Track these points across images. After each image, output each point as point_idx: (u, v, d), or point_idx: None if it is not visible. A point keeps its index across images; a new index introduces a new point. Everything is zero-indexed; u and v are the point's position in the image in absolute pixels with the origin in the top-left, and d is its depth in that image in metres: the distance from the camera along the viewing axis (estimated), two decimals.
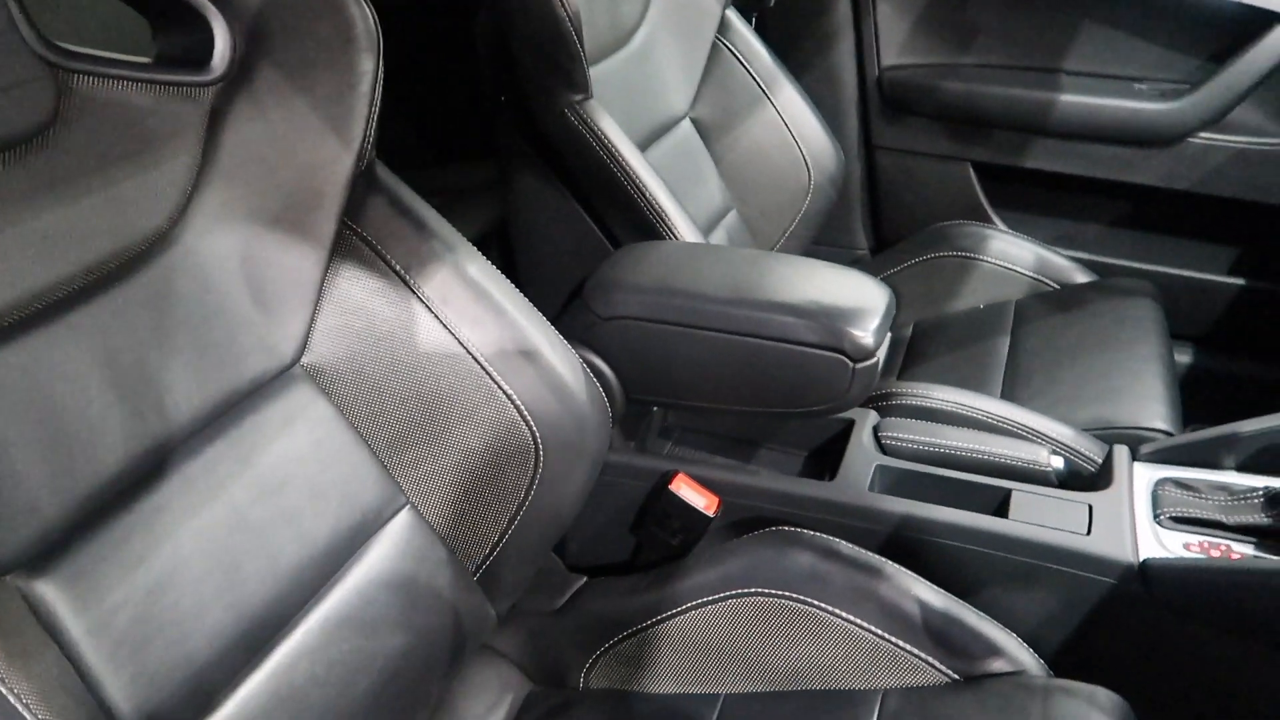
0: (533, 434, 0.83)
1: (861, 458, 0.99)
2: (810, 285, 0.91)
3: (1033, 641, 0.84)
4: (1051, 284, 1.48)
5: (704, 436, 1.11)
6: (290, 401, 0.77)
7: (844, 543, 0.87)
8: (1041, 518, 0.89)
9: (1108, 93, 1.51)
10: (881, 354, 0.88)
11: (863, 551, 0.86)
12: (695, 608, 0.90)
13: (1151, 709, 0.77)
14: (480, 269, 0.85)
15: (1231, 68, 1.42)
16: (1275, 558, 0.82)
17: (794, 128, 1.49)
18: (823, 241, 1.67)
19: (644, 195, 1.07)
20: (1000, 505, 0.94)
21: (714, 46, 1.46)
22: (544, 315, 0.87)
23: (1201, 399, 1.19)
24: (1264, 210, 1.49)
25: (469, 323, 0.82)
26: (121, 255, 0.67)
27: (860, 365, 0.87)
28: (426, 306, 0.82)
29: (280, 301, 0.77)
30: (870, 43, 1.64)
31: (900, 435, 1.01)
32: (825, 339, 0.86)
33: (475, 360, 0.82)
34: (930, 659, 0.82)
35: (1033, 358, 1.28)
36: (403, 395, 0.81)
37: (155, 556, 0.64)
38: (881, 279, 1.57)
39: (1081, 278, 1.47)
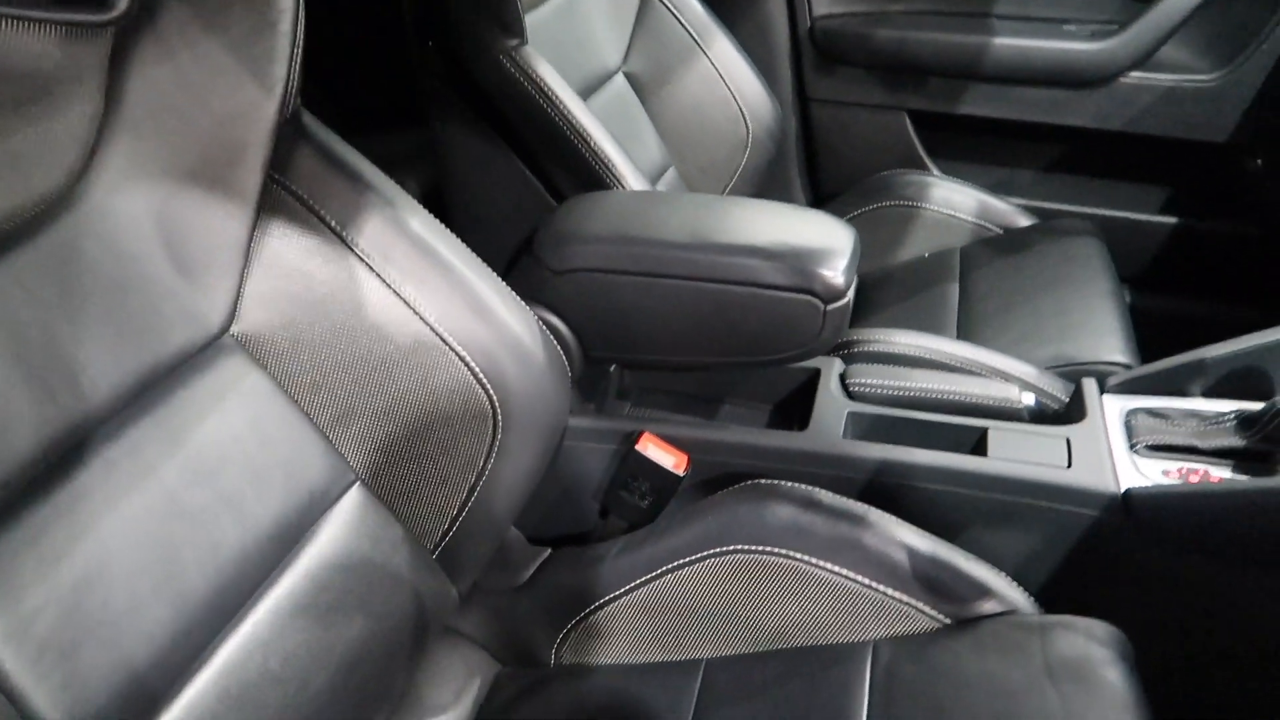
0: (490, 398, 0.78)
1: (831, 406, 0.95)
2: (774, 226, 0.86)
3: (1018, 580, 0.82)
4: (995, 229, 1.47)
5: (664, 395, 1.06)
6: (221, 374, 0.70)
7: (824, 492, 0.83)
8: (1020, 454, 0.87)
9: (1038, 35, 1.51)
10: (851, 294, 0.84)
11: (844, 500, 0.83)
12: (670, 571, 0.85)
13: (1144, 638, 0.76)
14: (423, 223, 0.79)
15: (1158, 6, 1.43)
16: (1253, 479, 0.81)
17: (730, 81, 1.45)
18: (760, 197, 1.63)
19: (588, 144, 1.01)
20: (977, 444, 0.91)
21: None
22: None
23: (1144, 337, 1.19)
24: (1194, 147, 1.50)
25: (414, 281, 0.76)
26: (16, 217, 0.59)
27: (832, 306, 0.83)
28: (367, 265, 0.75)
29: (204, 265, 0.70)
30: None
31: (868, 381, 0.98)
32: (795, 280, 0.82)
33: (424, 321, 0.76)
34: (920, 605, 0.79)
35: (984, 301, 1.27)
36: (346, 363, 0.75)
37: (78, 550, 0.57)
38: None
39: (1024, 221, 1.47)
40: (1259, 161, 1.49)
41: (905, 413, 0.94)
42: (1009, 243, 1.40)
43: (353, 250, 0.75)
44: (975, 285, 1.32)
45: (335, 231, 0.75)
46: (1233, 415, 0.88)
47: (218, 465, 0.67)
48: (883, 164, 1.65)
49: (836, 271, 0.82)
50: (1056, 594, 0.84)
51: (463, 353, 0.78)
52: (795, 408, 1.01)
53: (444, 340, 0.77)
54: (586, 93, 1.27)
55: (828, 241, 0.85)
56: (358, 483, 0.76)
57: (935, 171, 1.65)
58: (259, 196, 0.72)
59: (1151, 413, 0.92)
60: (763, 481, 0.85)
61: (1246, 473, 0.85)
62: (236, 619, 0.65)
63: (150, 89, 0.66)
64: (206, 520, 0.65)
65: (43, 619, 0.54)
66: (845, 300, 0.83)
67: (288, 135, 0.74)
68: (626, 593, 0.87)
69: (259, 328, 0.73)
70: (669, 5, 1.42)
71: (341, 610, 0.73)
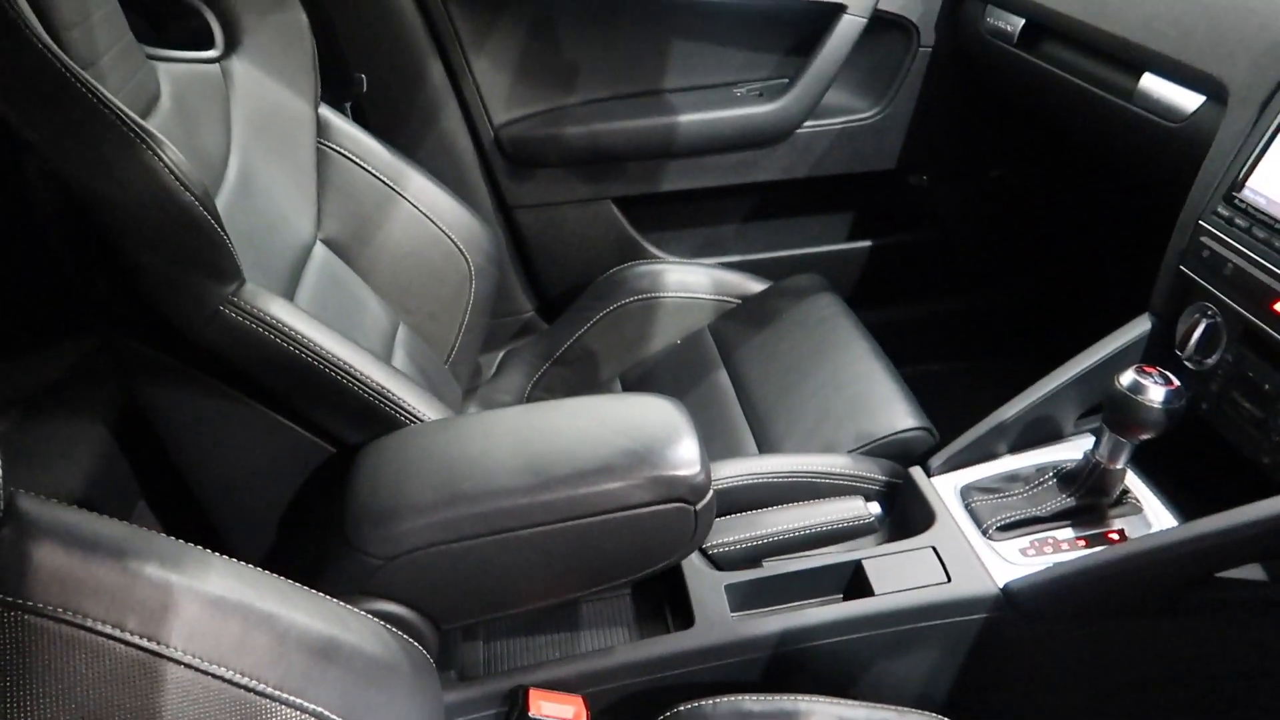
0: None
1: (704, 585, 0.90)
2: (609, 430, 0.79)
3: (926, 697, 0.82)
4: (733, 300, 1.49)
5: (515, 622, 0.94)
6: None
7: (749, 698, 0.77)
8: (900, 578, 0.87)
9: (717, 104, 1.55)
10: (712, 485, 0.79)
11: (772, 699, 0.77)
12: None
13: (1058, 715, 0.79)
14: (221, 573, 0.64)
15: (815, 62, 1.51)
16: (1104, 549, 0.85)
17: (435, 217, 1.35)
18: (491, 317, 1.54)
19: (353, 378, 0.87)
20: (854, 577, 0.90)
21: (320, 153, 1.26)
22: (285, 566, 0.68)
23: (890, 351, 1.26)
24: (869, 177, 1.63)
25: (233, 651, 0.61)
26: None
27: (701, 505, 0.77)
28: (170, 660, 0.58)
29: None
30: (476, 103, 1.52)
31: (725, 540, 0.93)
32: (660, 493, 0.75)
33: (260, 694, 0.61)
34: None
35: (761, 387, 1.27)
36: None
37: None
38: (575, 340, 1.50)
39: (755, 285, 1.50)
40: (924, 178, 1.65)
41: (780, 567, 0.91)
42: (752, 313, 1.43)
43: (142, 649, 0.58)
44: (742, 368, 1.33)
45: (113, 637, 0.57)
46: (1051, 473, 0.95)
47: None
48: (600, 254, 1.63)
49: (696, 468, 0.76)
50: (966, 700, 0.85)
51: (318, 709, 0.63)
52: (656, 585, 0.95)
53: (289, 703, 0.63)
54: (292, 278, 1.11)
55: (670, 432, 0.78)
56: None
57: (654, 250, 1.65)
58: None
59: (982, 489, 0.96)
60: (683, 710, 0.78)
61: (1084, 526, 0.91)
62: None
63: None
64: None
65: None
66: (711, 494, 0.78)
67: (7, 539, 0.55)
68: None
69: None
70: (349, 155, 1.29)
71: None
